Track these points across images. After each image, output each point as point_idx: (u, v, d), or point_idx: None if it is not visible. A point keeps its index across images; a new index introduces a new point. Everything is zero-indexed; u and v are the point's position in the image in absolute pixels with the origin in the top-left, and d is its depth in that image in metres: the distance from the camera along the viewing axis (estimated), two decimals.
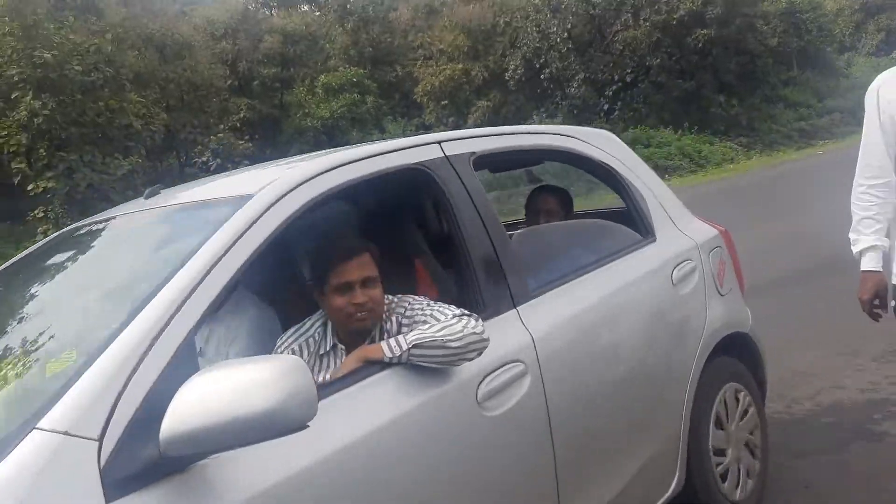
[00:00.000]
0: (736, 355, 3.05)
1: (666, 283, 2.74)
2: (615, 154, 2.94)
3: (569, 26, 21.99)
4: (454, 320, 1.89)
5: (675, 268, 2.79)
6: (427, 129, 23.65)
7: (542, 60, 22.23)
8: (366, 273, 1.96)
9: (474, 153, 2.36)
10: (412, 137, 2.26)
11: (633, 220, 2.91)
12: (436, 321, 1.92)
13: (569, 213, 3.30)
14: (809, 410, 4.08)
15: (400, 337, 1.87)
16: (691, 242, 2.94)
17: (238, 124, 21.14)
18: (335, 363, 2.01)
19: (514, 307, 2.18)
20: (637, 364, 2.54)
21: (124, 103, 15.66)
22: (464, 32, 23.53)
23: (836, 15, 32.86)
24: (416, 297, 2.08)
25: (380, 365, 1.84)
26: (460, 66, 23.27)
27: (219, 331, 2.35)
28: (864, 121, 2.51)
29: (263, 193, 1.82)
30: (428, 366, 1.85)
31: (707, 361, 2.80)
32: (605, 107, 23.80)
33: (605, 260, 2.63)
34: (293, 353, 2.02)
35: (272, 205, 1.79)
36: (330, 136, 21.17)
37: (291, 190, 1.86)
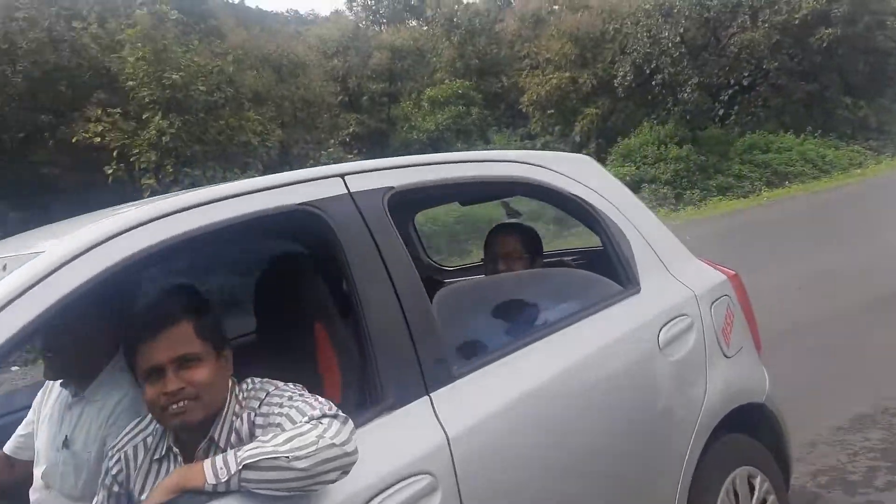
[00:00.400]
0: (749, 431, 2.49)
1: (650, 347, 2.18)
2: (592, 184, 2.39)
3: (681, 30, 21.29)
4: (308, 426, 1.38)
5: (663, 326, 2.23)
6: (532, 138, 23.52)
7: (652, 66, 21.64)
8: (181, 350, 1.48)
9: (392, 188, 1.87)
10: (311, 170, 1.85)
11: (612, 266, 2.36)
12: (291, 424, 1.42)
13: (536, 257, 2.72)
14: None
15: (231, 454, 1.37)
16: (687, 293, 2.38)
17: (347, 139, 21.78)
18: (169, 469, 1.56)
19: (427, 394, 1.67)
20: (604, 461, 1.99)
21: (243, 121, 16.47)
22: (571, 40, 23.25)
23: None
24: (283, 385, 1.57)
25: (205, 496, 1.34)
26: (567, 74, 23.01)
27: (90, 414, 1.91)
28: None
29: (50, 253, 1.39)
30: (270, 494, 1.35)
31: (708, 443, 2.26)
32: (720, 112, 22.90)
33: (568, 321, 2.09)
34: (125, 456, 1.62)
35: (55, 269, 1.36)
36: (435, 148, 21.44)
37: (95, 246, 1.41)
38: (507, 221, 2.98)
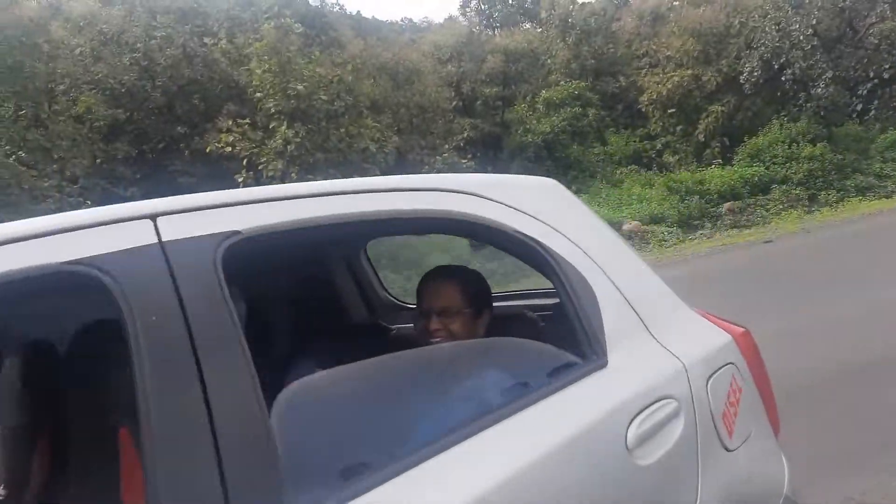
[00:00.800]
0: None
1: (613, 450, 1.52)
2: (546, 217, 1.72)
3: (814, 22, 20.00)
4: None
5: (635, 417, 1.56)
6: (652, 138, 22.80)
7: (782, 60, 20.43)
8: None
9: (237, 233, 1.29)
10: (107, 209, 1.26)
11: (572, 329, 1.69)
12: None
13: (482, 310, 2.07)
14: None
15: None
16: (675, 364, 1.71)
17: (461, 143, 21.93)
18: None
19: None
20: None
21: (362, 128, 16.95)
22: (693, 36, 22.39)
23: None
24: None
25: None
26: (689, 71, 22.16)
27: None
28: None
29: None
30: None
31: None
32: (858, 107, 21.33)
33: (488, 422, 1.42)
34: None
35: None
36: (550, 151, 21.22)
37: None
38: (442, 265, 2.23)
